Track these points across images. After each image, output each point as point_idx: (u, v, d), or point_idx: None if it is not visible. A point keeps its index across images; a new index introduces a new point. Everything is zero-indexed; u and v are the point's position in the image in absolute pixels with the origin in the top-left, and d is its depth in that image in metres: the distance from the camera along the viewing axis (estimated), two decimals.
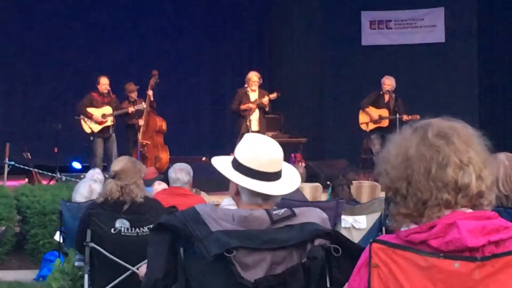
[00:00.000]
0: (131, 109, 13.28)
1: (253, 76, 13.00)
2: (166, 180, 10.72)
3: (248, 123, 12.64)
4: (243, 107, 12.81)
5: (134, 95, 13.56)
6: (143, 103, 13.34)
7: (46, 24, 16.55)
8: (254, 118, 12.80)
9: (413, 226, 2.17)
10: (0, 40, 16.28)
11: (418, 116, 12.62)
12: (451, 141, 2.18)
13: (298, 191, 7.69)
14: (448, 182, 2.15)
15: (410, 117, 13.09)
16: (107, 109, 13.19)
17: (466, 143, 2.18)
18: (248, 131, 11.94)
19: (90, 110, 13.19)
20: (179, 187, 7.30)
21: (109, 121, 13.18)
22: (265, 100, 12.83)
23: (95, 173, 8.71)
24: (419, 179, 2.18)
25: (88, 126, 13.20)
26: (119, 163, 5.75)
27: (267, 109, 13.01)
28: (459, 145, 2.17)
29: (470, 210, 2.16)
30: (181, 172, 7.36)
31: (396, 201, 2.22)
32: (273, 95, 12.99)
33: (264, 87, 13.61)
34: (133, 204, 5.62)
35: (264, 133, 11.87)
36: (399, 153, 2.23)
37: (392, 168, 2.23)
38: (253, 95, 12.96)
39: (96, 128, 13.19)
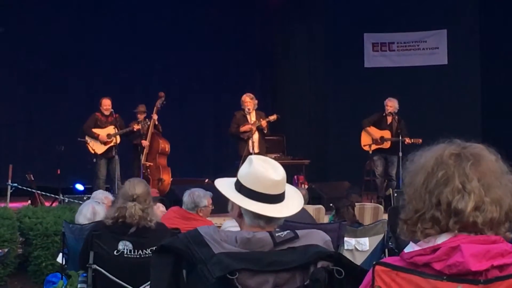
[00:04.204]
0: (136, 127, 13.41)
1: (246, 98, 13.05)
2: (167, 201, 10.76)
3: (249, 145, 12.64)
4: (243, 128, 12.82)
5: (142, 116, 13.71)
6: (147, 120, 13.48)
7: (48, 46, 16.60)
8: (255, 140, 12.82)
9: (416, 247, 2.16)
10: (2, 63, 16.33)
11: (421, 140, 12.63)
12: (462, 165, 2.17)
13: (305, 212, 7.71)
14: (442, 201, 2.15)
15: (412, 140, 13.09)
16: (111, 129, 13.28)
17: (480, 173, 2.16)
18: (249, 153, 11.95)
19: (96, 130, 13.29)
20: (190, 212, 7.44)
21: (113, 141, 13.25)
22: (264, 122, 12.87)
23: (100, 194, 8.65)
24: (418, 188, 2.20)
25: (92, 148, 13.25)
26: (139, 187, 5.72)
27: (265, 131, 13.04)
28: (469, 171, 2.16)
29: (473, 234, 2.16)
30: (188, 197, 7.54)
31: (403, 204, 2.24)
32: (273, 117, 13.01)
33: (267, 109, 13.65)
34: (140, 227, 5.63)
35: (264, 155, 11.88)
36: (418, 159, 2.25)
37: (408, 172, 2.26)
38: (251, 117, 12.99)
39: (101, 149, 13.25)
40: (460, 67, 18.01)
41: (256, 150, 12.61)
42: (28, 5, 16.51)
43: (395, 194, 12.19)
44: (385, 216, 10.22)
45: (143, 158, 13.44)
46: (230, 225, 6.33)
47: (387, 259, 2.25)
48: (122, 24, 17.17)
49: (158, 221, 5.85)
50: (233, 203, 2.95)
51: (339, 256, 2.80)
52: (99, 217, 6.73)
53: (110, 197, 9.09)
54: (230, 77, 17.92)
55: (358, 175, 14.73)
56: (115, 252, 5.65)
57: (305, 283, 2.74)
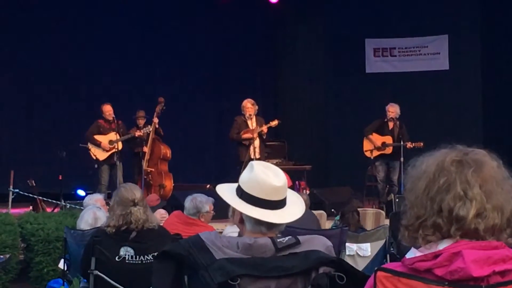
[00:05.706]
0: (138, 133, 13.44)
1: (247, 103, 13.04)
2: (169, 207, 10.76)
3: (250, 151, 12.63)
4: (245, 135, 12.81)
5: (142, 121, 13.76)
6: (149, 126, 13.51)
7: (51, 52, 16.60)
8: (256, 146, 12.80)
9: (418, 253, 2.16)
10: (4, 68, 16.34)
11: (422, 144, 12.64)
12: (464, 171, 2.17)
13: (311, 214, 7.73)
14: (443, 208, 2.14)
15: (414, 144, 13.09)
16: (113, 135, 13.29)
17: (482, 180, 2.16)
18: (250, 159, 11.95)
19: (98, 137, 13.31)
20: (191, 217, 7.47)
21: (115, 147, 13.27)
22: (265, 127, 12.87)
23: (90, 200, 8.62)
24: (419, 194, 2.19)
25: (94, 154, 13.27)
26: (137, 190, 5.71)
27: (264, 137, 13.05)
28: (470, 178, 2.15)
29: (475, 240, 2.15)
30: (190, 202, 7.57)
31: (405, 210, 2.24)
32: (274, 123, 13.01)
33: (268, 114, 13.63)
34: (141, 231, 5.60)
35: (264, 160, 11.87)
36: (420, 165, 2.25)
37: (410, 178, 2.26)
38: (252, 123, 12.97)
39: (103, 155, 13.28)
40: (461, 72, 17.99)
41: (258, 156, 12.61)
42: (29, 10, 16.51)
43: (397, 200, 12.18)
44: (387, 222, 10.22)
45: (144, 164, 13.45)
46: (231, 230, 6.33)
47: (388, 264, 2.24)
48: (122, 29, 17.16)
49: (158, 223, 5.86)
50: (234, 209, 2.95)
51: (340, 262, 2.80)
52: (100, 223, 6.72)
53: (99, 196, 9.10)
54: (231, 82, 17.92)
55: (360, 181, 14.71)
56: (116, 258, 5.63)
57: None
